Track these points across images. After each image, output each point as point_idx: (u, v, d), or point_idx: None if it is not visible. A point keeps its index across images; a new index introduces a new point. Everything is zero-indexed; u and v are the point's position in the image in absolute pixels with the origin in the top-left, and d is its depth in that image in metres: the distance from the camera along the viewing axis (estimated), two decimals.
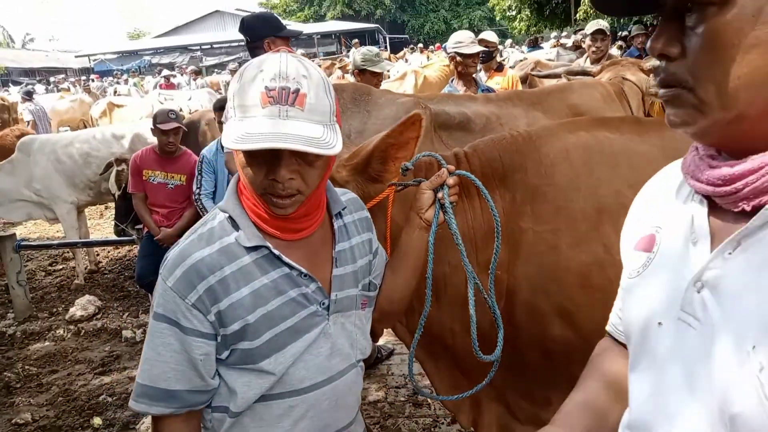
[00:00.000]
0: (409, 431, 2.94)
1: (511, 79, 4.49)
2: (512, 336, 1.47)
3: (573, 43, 11.55)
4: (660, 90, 0.72)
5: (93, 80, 21.70)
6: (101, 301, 5.00)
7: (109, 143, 5.51)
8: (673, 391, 0.73)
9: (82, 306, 4.81)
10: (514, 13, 19.05)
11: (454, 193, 1.33)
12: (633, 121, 1.61)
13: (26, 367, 4.00)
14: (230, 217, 1.13)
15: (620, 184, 1.39)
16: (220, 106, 3.89)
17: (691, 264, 0.73)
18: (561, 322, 1.42)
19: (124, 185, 4.52)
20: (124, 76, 21.68)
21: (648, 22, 10.61)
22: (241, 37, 3.00)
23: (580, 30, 15.08)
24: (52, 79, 24.24)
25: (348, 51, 27.81)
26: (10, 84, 27.51)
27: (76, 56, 39.10)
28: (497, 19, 23.29)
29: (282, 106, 0.99)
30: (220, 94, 13.65)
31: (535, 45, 14.17)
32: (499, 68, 4.75)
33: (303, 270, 1.13)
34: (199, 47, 35.22)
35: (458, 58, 3.75)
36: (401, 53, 18.87)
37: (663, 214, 0.84)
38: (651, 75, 3.07)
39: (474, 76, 3.96)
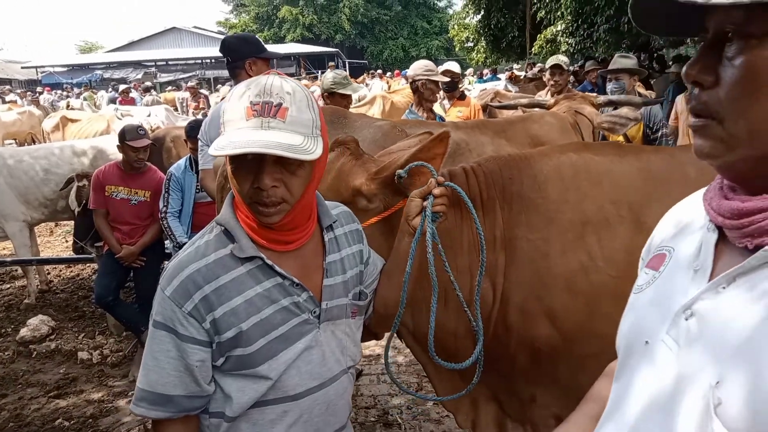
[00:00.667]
0: None
1: (473, 107, 4.71)
2: (505, 337, 1.59)
3: (531, 74, 12.06)
4: (691, 119, 0.72)
5: (42, 92, 20.97)
6: (55, 321, 4.83)
7: (69, 159, 5.34)
8: (637, 407, 0.76)
9: (34, 326, 4.61)
10: (472, 44, 19.72)
11: (440, 203, 1.40)
12: (614, 145, 1.79)
13: None
14: (226, 230, 1.19)
15: (603, 199, 1.54)
16: (191, 128, 3.92)
17: (688, 291, 0.74)
18: (548, 323, 1.53)
19: (84, 201, 4.43)
20: (76, 90, 21.07)
21: (600, 58, 11.21)
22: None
23: (531, 63, 15.81)
24: None
25: (307, 74, 27.99)
26: None
27: (23, 67, 37.71)
28: (456, 49, 24.00)
29: (264, 118, 1.07)
30: (177, 111, 13.48)
31: (493, 74, 14.77)
32: (462, 97, 4.98)
33: (295, 280, 1.19)
34: (154, 63, 34.62)
35: (429, 85, 3.92)
36: (360, 78, 19.17)
37: (680, 236, 0.86)
38: (600, 109, 3.33)
39: (431, 107, 4.13)
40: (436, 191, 1.39)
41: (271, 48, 3.43)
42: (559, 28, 12.60)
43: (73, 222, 5.16)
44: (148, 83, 19.05)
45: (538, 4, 13.22)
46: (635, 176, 1.57)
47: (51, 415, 3.50)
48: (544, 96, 4.42)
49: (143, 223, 4.18)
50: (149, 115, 9.73)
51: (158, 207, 3.96)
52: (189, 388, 1.14)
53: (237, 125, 1.08)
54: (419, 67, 4.07)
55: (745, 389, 0.61)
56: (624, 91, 4.18)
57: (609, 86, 4.40)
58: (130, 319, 4.10)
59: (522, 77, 11.70)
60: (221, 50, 3.00)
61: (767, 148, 0.65)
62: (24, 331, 4.59)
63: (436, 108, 4.44)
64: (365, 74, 21.52)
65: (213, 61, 30.32)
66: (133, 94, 16.03)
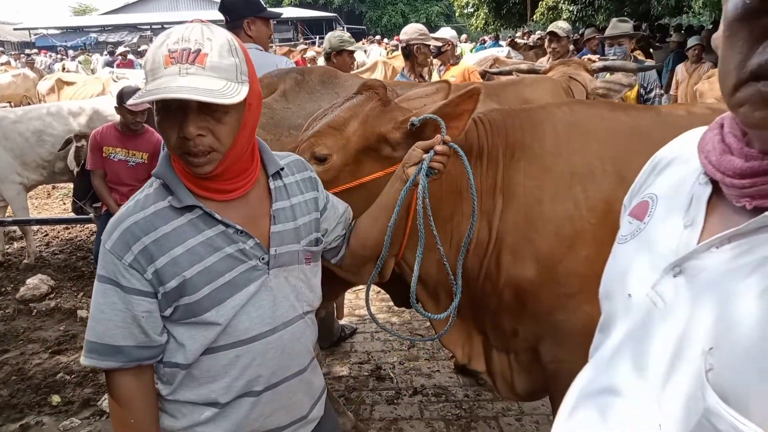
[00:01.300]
0: (372, 403, 3.09)
1: (466, 71, 4.71)
2: (495, 275, 1.71)
3: (532, 41, 11.91)
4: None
5: (38, 54, 20.65)
6: (54, 280, 4.91)
7: (64, 120, 5.31)
8: (622, 363, 0.75)
9: (34, 285, 4.69)
10: (472, 10, 19.40)
11: (439, 160, 1.42)
12: (606, 103, 1.89)
13: None
14: (164, 183, 1.20)
15: (590, 154, 1.66)
16: None
17: (677, 246, 0.73)
18: (535, 264, 1.64)
19: (83, 162, 4.46)
20: (71, 53, 20.75)
21: (600, 26, 11.08)
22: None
23: (528, 31, 15.59)
24: None
25: (304, 39, 27.53)
26: None
27: (15, 29, 37.01)
28: (456, 15, 23.59)
29: (182, 65, 1.05)
30: None
31: (495, 41, 14.57)
32: (455, 63, 4.99)
33: (238, 227, 1.19)
34: (149, 26, 34.00)
35: (422, 49, 3.92)
36: (360, 43, 18.89)
37: (665, 183, 0.84)
38: (595, 75, 3.34)
39: (422, 72, 4.14)
40: (438, 148, 1.41)
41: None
42: None
43: (70, 184, 5.18)
44: (145, 47, 18.77)
45: None
46: (622, 132, 1.68)
47: (52, 369, 3.60)
48: (544, 63, 4.40)
49: (141, 185, 4.17)
50: None
51: None
52: (138, 338, 1.16)
53: (156, 74, 1.07)
54: (412, 31, 4.06)
55: (738, 358, 0.60)
56: (626, 56, 4.20)
57: (610, 52, 4.42)
58: None
59: (521, 44, 11.55)
60: (220, 9, 2.99)
61: None
62: (24, 290, 4.67)
63: (433, 75, 4.45)
64: (363, 40, 21.20)
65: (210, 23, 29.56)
66: (131, 57, 15.81)
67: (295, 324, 1.28)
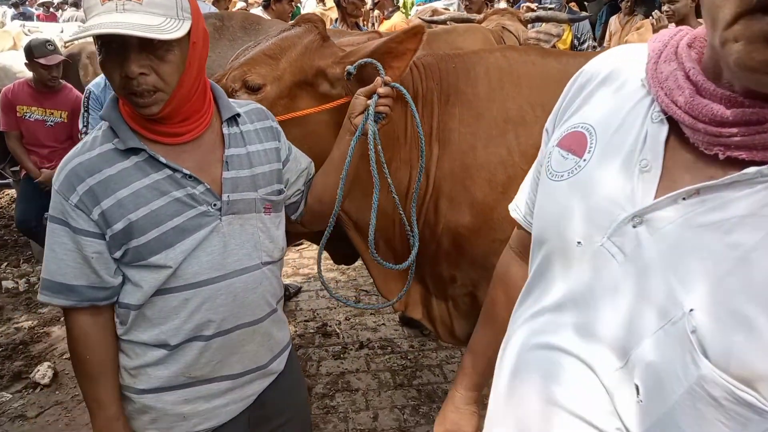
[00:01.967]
0: (319, 359, 3.11)
1: (394, 25, 4.61)
2: (433, 222, 1.71)
3: None
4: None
5: None
6: None
7: None
8: (573, 319, 0.71)
9: None
10: None
11: (384, 103, 1.39)
12: (538, 49, 1.89)
13: None
14: (111, 126, 1.18)
15: (521, 100, 1.65)
16: None
17: (632, 192, 0.67)
18: (471, 211, 1.66)
19: None
20: None
21: None
22: None
23: None
24: None
25: None
26: None
27: None
28: None
29: (119, 1, 1.03)
30: None
31: None
32: (388, 17, 4.91)
33: (186, 171, 1.18)
34: None
35: (352, 0, 3.80)
36: None
37: (598, 110, 0.76)
38: (527, 25, 3.36)
39: (357, 22, 4.05)
40: (381, 90, 1.38)
41: None
42: None
43: None
44: None
45: None
46: (552, 78, 1.68)
47: None
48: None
49: (62, 146, 3.96)
50: (62, 32, 8.91)
51: (78, 128, 3.74)
52: (90, 278, 1.17)
53: (93, 11, 1.04)
54: None
55: (724, 319, 0.57)
56: (561, 6, 4.23)
57: (547, 1, 4.44)
58: None
59: None
60: None
61: None
62: None
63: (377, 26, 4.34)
64: None
65: None
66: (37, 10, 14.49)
67: (250, 273, 1.26)
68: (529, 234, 0.87)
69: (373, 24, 4.96)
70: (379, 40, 1.52)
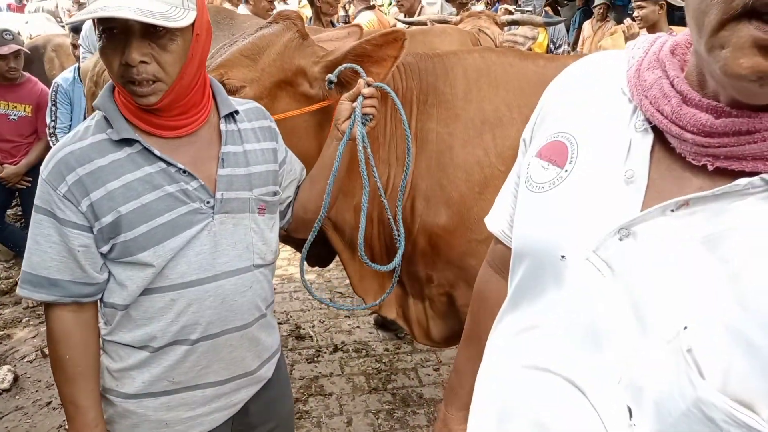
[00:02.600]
0: (292, 362, 3.06)
1: (373, 21, 4.59)
2: (410, 222, 1.70)
3: None
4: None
5: None
6: None
7: None
8: (557, 339, 0.68)
9: None
10: None
11: (370, 104, 1.37)
12: (516, 52, 1.90)
13: None
14: (105, 116, 1.15)
15: (498, 101, 1.66)
16: (74, 28, 3.54)
17: (617, 204, 0.64)
18: (447, 211, 1.65)
19: None
20: None
21: None
22: None
23: None
24: None
25: None
26: None
27: None
28: None
29: None
30: (59, 21, 12.01)
31: None
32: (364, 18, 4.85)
33: (180, 165, 1.14)
34: None
35: None
36: None
37: (581, 122, 0.73)
38: (503, 28, 3.38)
39: (332, 20, 4.01)
40: (366, 91, 1.37)
41: None
42: None
43: None
44: None
45: None
46: (529, 81, 1.69)
47: None
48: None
49: (26, 141, 3.83)
50: (27, 23, 8.63)
51: (44, 123, 3.61)
52: (75, 273, 1.13)
53: None
54: None
55: (720, 337, 0.54)
56: (541, 9, 4.27)
57: (527, 4, 4.49)
58: (18, 242, 3.83)
59: None
60: None
61: None
62: None
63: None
64: None
65: None
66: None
67: (240, 275, 1.22)
68: (509, 249, 0.84)
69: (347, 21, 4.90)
70: (354, 42, 1.50)
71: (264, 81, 1.48)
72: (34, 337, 3.34)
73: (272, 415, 1.42)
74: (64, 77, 3.53)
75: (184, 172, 1.15)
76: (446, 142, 1.65)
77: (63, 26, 4.04)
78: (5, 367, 3.00)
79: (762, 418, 0.53)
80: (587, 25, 8.65)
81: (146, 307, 1.17)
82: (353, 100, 1.38)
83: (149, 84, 1.07)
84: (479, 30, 3.21)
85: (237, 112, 1.27)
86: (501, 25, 3.37)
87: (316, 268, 3.50)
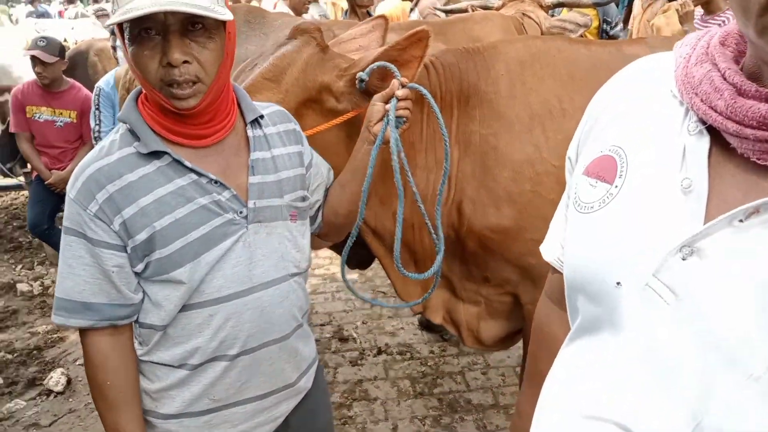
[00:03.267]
0: (336, 365, 3.02)
1: (399, 7, 4.44)
2: (458, 224, 1.67)
3: None
4: None
5: None
6: None
7: None
8: (630, 378, 0.59)
9: None
10: None
11: (404, 107, 1.31)
12: (563, 38, 1.80)
13: None
14: (130, 128, 1.11)
15: (547, 93, 1.59)
16: (114, 30, 3.57)
17: (677, 218, 0.57)
18: (497, 213, 1.61)
19: (8, 121, 4.08)
20: None
21: None
22: None
23: None
24: None
25: None
26: None
27: None
28: None
29: None
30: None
31: None
32: None
33: (212, 176, 1.11)
34: None
35: None
36: None
37: (629, 133, 0.66)
38: (549, 11, 3.20)
39: (368, 11, 3.91)
40: (400, 93, 1.30)
41: None
42: None
43: None
44: None
45: None
46: (579, 66, 1.62)
47: None
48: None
49: (72, 146, 3.92)
50: (73, 29, 8.89)
51: (89, 127, 3.67)
52: (110, 295, 1.09)
53: None
54: None
55: None
56: None
57: None
58: None
59: None
60: None
61: None
62: None
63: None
64: None
65: None
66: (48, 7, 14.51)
67: (276, 286, 1.19)
68: None
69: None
70: (379, 50, 1.44)
71: (289, 102, 1.45)
72: None
73: (312, 427, 1.38)
74: (105, 80, 3.57)
75: (216, 182, 1.11)
76: (490, 143, 1.60)
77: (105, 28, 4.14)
78: (58, 370, 3.07)
79: None
80: (637, 3, 8.23)
81: (184, 325, 1.13)
82: (386, 102, 1.32)
83: (190, 86, 1.03)
84: (523, 14, 3.05)
85: (262, 116, 1.23)
86: (546, 8, 3.18)
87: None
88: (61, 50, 3.74)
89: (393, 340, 3.21)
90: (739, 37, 0.60)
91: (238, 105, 1.21)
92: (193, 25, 1.00)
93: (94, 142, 3.58)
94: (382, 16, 1.79)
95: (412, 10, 4.51)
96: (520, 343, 2.01)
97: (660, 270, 0.56)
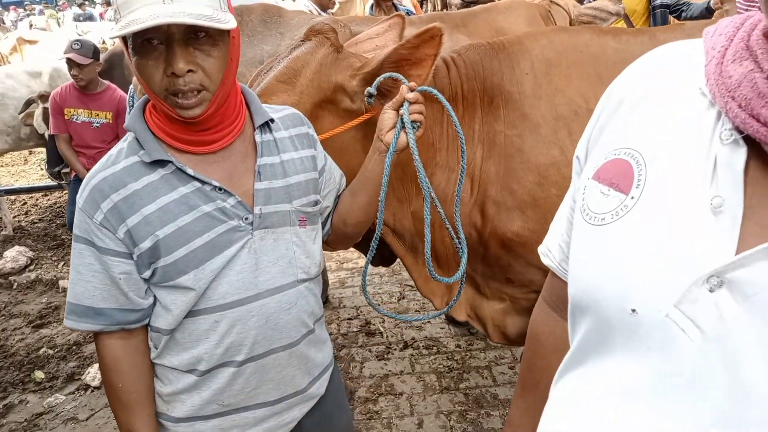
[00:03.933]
0: (362, 359, 3.03)
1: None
2: (481, 226, 1.64)
3: None
4: None
5: (7, 11, 19.64)
6: (33, 251, 4.78)
7: (25, 81, 5.02)
8: (642, 414, 0.52)
9: (12, 258, 4.57)
10: None
11: (416, 110, 1.29)
12: (592, 30, 1.72)
13: None
14: (136, 137, 1.12)
15: (573, 93, 1.53)
16: None
17: (705, 242, 0.49)
18: (522, 216, 1.56)
19: None
20: (38, 8, 19.74)
21: None
22: None
23: None
24: None
25: None
26: None
27: None
28: None
29: None
30: None
31: None
32: None
33: (215, 183, 1.11)
34: None
35: None
36: None
37: (649, 135, 0.58)
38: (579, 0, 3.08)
39: (393, 3, 3.87)
40: (410, 96, 1.28)
41: None
42: None
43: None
44: None
45: None
46: (607, 63, 1.53)
47: (35, 344, 3.52)
48: None
49: (108, 146, 4.01)
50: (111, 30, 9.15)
51: (123, 127, 3.77)
52: (119, 301, 1.11)
53: (134, 5, 0.96)
54: None
55: None
56: None
57: None
58: None
59: None
60: None
61: None
62: (2, 263, 4.55)
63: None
64: None
65: None
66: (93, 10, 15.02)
67: (284, 292, 1.18)
68: (565, 283, 0.69)
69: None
70: (388, 49, 1.41)
71: (304, 103, 1.44)
72: None
73: (329, 430, 1.36)
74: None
75: (220, 189, 1.11)
76: (515, 144, 1.55)
77: None
78: (96, 366, 3.18)
79: None
80: None
81: (191, 330, 1.14)
82: (397, 109, 1.29)
83: (195, 94, 1.03)
84: (550, 1, 2.94)
85: (272, 120, 1.21)
86: None
87: None
88: (95, 52, 3.84)
89: (420, 334, 3.20)
90: None
91: (248, 109, 1.20)
92: (196, 33, 1.00)
93: None
94: (399, 15, 1.75)
95: None
96: None
97: (683, 301, 0.49)
